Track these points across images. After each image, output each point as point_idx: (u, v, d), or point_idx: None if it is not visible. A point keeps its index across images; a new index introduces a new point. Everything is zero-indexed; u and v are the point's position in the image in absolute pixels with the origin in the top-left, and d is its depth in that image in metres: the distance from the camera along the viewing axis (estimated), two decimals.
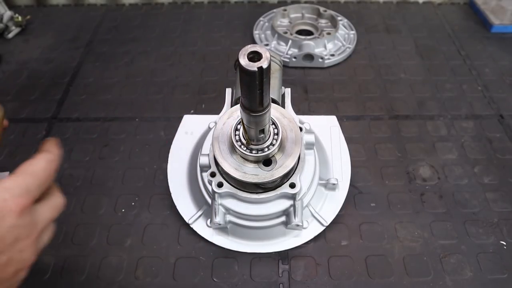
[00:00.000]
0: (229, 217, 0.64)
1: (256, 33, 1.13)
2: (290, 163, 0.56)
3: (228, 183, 0.60)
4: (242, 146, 0.55)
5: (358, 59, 1.06)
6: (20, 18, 1.15)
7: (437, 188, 0.77)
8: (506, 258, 0.66)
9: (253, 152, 0.54)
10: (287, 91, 0.71)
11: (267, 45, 1.09)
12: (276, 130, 0.56)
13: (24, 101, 0.95)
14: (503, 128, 0.88)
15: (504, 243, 0.68)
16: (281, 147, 0.57)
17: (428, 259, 0.67)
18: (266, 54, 0.38)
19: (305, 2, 1.24)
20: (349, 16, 1.18)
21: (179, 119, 0.77)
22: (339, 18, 1.14)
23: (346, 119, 0.90)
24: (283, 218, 0.64)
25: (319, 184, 0.69)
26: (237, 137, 0.56)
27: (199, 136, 0.75)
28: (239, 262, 0.67)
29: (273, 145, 0.55)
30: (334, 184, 0.69)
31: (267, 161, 0.57)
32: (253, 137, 0.52)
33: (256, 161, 0.57)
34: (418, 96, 0.95)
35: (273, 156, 0.57)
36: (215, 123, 0.73)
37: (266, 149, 0.54)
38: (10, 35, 1.15)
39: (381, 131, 0.87)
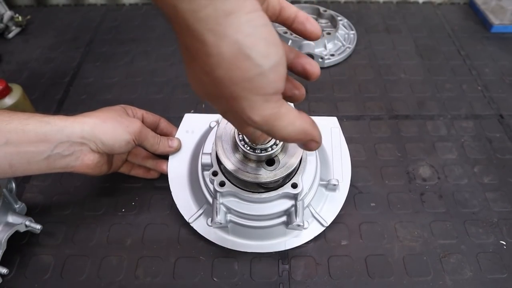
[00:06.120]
0: (230, 217, 0.64)
1: None
2: (292, 163, 0.56)
3: (230, 182, 0.60)
4: (246, 146, 0.56)
5: (358, 59, 1.06)
6: (20, 18, 1.15)
7: (437, 188, 0.77)
8: (506, 258, 0.67)
9: (256, 151, 0.54)
10: None
11: None
12: None
13: None
14: (503, 128, 0.88)
15: (504, 243, 0.69)
16: (284, 147, 0.57)
17: (428, 258, 0.67)
18: None
19: (305, 2, 1.24)
20: (349, 16, 1.18)
21: (179, 119, 0.77)
22: (339, 18, 1.14)
23: (346, 119, 0.90)
24: (284, 218, 0.64)
25: (320, 185, 0.69)
26: (240, 136, 0.56)
27: (200, 135, 0.74)
28: (239, 261, 0.67)
29: (276, 145, 0.55)
30: (334, 185, 0.69)
31: (270, 161, 0.57)
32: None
33: (259, 161, 0.57)
34: (418, 96, 0.95)
35: (276, 156, 0.57)
36: (217, 122, 0.74)
37: (270, 149, 0.55)
38: (10, 35, 1.14)
39: (381, 131, 0.87)
